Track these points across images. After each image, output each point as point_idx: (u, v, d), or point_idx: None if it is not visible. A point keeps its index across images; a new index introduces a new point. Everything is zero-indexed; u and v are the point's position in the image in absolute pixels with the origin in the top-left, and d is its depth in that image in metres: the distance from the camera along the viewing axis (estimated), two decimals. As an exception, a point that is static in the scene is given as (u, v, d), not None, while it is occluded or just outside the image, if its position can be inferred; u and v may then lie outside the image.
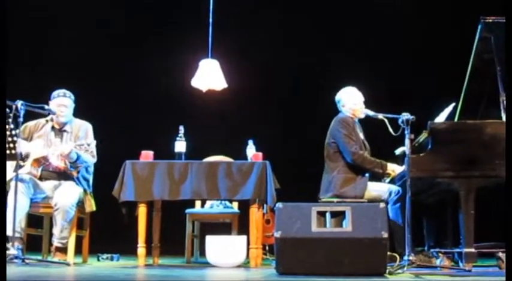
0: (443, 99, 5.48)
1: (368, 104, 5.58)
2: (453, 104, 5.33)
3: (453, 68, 5.96)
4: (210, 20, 6.47)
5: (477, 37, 5.17)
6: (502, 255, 4.76)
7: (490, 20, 5.10)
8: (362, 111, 5.51)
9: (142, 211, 5.31)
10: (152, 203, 5.66)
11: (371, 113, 5.37)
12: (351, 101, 5.58)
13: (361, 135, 5.57)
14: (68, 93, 5.51)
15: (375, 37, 8.44)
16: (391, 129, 4.96)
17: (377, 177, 5.55)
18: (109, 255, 6.47)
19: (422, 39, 8.27)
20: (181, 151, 5.52)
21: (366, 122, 5.61)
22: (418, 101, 6.82)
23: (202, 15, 6.63)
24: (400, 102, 5.80)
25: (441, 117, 5.33)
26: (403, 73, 8.30)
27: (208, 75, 6.17)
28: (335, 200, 5.16)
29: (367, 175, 5.42)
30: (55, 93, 5.49)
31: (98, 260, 6.35)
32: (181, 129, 5.56)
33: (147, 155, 5.44)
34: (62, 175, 5.37)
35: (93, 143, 5.27)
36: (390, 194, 5.33)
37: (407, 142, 4.57)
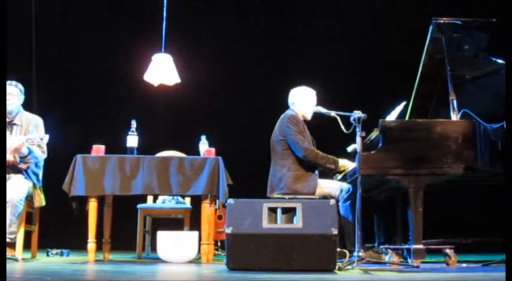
0: (395, 98, 5.58)
1: (321, 102, 5.64)
2: (404, 103, 5.44)
3: (405, 68, 6.06)
4: (164, 13, 6.45)
5: (428, 37, 5.25)
6: (449, 251, 4.86)
7: (442, 21, 5.19)
8: (311, 115, 5.62)
9: (93, 205, 5.29)
10: (103, 198, 5.66)
11: (323, 110, 5.47)
12: (303, 103, 5.65)
13: (308, 132, 5.62)
14: (15, 82, 5.45)
15: (327, 35, 8.51)
16: (343, 127, 5.06)
17: (328, 173, 5.65)
18: (59, 250, 6.39)
19: (375, 38, 8.36)
20: (133, 145, 5.51)
21: (318, 119, 5.67)
22: (370, 100, 6.91)
23: (156, 9, 6.60)
24: (352, 100, 5.89)
25: (392, 116, 5.42)
26: (355, 72, 8.38)
27: (161, 70, 6.15)
28: (287, 196, 5.21)
29: (316, 172, 5.49)
30: None
31: (47, 255, 6.28)
32: (134, 123, 5.55)
33: (98, 149, 5.42)
34: (11, 169, 5.30)
35: (46, 138, 5.21)
36: (341, 191, 5.43)
37: (358, 139, 4.63)
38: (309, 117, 5.65)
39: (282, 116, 5.64)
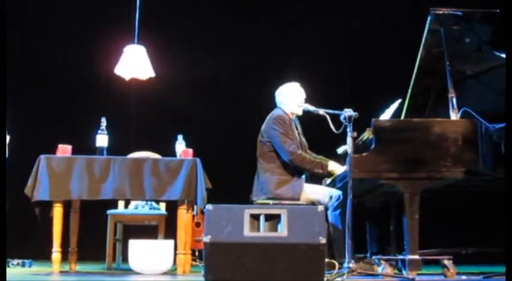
0: (389, 95, 5.57)
1: (310, 100, 5.64)
2: (399, 101, 5.43)
3: (400, 63, 6.06)
4: (138, 1, 6.43)
5: (426, 30, 5.25)
6: (447, 262, 4.85)
7: (441, 12, 5.19)
8: (301, 109, 5.60)
9: (58, 211, 5.25)
10: (69, 203, 5.62)
11: (311, 108, 5.45)
12: (291, 98, 5.65)
13: (298, 133, 5.65)
14: None
15: (317, 30, 8.51)
16: (332, 126, 5.05)
17: (317, 178, 5.65)
18: (20, 261, 6.38)
19: (367, 32, 8.38)
20: (103, 145, 5.49)
21: (305, 118, 5.68)
22: (362, 97, 6.93)
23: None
24: (343, 97, 5.89)
25: (386, 115, 5.42)
26: (346, 68, 8.41)
27: (134, 63, 6.12)
28: (271, 201, 5.27)
29: (303, 176, 5.49)
30: None
31: (8, 266, 6.22)
32: (103, 121, 5.53)
33: (64, 150, 5.38)
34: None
35: (6, 139, 5.18)
36: (330, 198, 5.41)
37: (349, 140, 4.64)
38: (299, 112, 5.64)
39: (269, 115, 5.64)
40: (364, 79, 8.21)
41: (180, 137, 5.79)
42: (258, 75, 8.12)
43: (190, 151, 5.57)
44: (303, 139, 5.71)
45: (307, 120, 5.71)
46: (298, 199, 5.34)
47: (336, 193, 5.41)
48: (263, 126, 5.63)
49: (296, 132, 5.62)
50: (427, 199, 4.87)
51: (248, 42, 8.63)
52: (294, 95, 5.66)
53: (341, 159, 5.65)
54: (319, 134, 5.33)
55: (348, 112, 4.69)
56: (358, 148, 5.07)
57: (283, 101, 5.69)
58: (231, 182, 6.83)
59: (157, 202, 6.31)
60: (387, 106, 5.49)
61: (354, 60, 8.39)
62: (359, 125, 4.80)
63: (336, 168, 5.48)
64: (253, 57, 8.51)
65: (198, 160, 5.36)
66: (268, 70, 7.82)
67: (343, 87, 8.12)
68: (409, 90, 5.44)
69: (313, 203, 5.26)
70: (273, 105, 5.75)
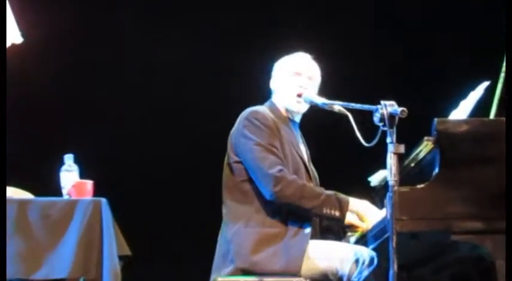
0: (465, 75, 5.50)
1: (325, 89, 5.53)
2: (485, 85, 5.23)
3: (482, 23, 6.11)
4: None
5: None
6: None
7: None
8: (299, 104, 5.44)
9: None
10: None
11: (319, 100, 5.22)
12: (286, 80, 5.49)
13: (300, 149, 5.46)
14: None
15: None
16: (359, 135, 4.76)
17: (332, 230, 5.50)
18: None
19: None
20: None
21: (310, 119, 5.53)
22: (414, 81, 6.91)
23: None
24: (379, 83, 5.66)
25: (461, 111, 5.23)
26: (384, 34, 8.42)
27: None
28: (243, 279, 5.01)
29: (308, 229, 5.18)
30: None
31: None
32: None
33: None
34: None
35: None
36: (356, 264, 5.14)
37: (390, 160, 4.35)
38: (299, 108, 5.51)
39: (240, 115, 5.45)
40: (418, 50, 8.18)
41: (68, 159, 5.66)
42: (232, 49, 8.24)
43: (89, 183, 5.55)
44: (311, 166, 5.50)
45: (313, 123, 5.75)
46: (296, 273, 5.06)
47: (366, 253, 5.15)
48: (230, 135, 5.44)
49: (294, 146, 5.39)
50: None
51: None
52: (286, 72, 5.54)
53: (376, 196, 5.54)
54: (336, 150, 5.04)
55: (388, 107, 4.38)
56: (407, 175, 5.04)
57: (274, 86, 5.69)
58: (169, 243, 6.60)
59: (27, 283, 6.11)
60: (463, 96, 5.30)
61: (398, 21, 8.34)
62: (409, 132, 4.50)
63: (364, 210, 5.23)
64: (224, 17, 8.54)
65: (103, 200, 5.35)
66: (257, 37, 8.01)
67: (380, 66, 8.13)
68: (504, 67, 5.19)
69: (325, 277, 5.14)
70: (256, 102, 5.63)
